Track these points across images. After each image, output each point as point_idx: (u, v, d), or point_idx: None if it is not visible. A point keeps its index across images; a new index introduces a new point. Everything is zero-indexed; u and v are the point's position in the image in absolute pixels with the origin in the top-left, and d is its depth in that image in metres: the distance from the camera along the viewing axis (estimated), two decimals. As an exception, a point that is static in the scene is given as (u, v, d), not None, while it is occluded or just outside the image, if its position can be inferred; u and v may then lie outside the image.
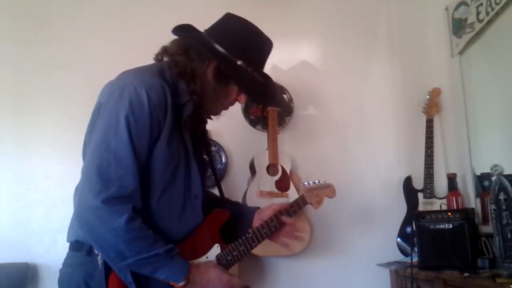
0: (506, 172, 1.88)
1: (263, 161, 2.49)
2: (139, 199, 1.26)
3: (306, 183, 1.75)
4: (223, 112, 1.51)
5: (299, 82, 2.72)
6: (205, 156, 1.58)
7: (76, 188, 1.34)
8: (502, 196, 1.83)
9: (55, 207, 2.46)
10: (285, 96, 2.65)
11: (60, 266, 1.44)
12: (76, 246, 1.35)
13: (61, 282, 1.37)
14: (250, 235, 1.51)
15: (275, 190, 2.47)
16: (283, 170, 2.52)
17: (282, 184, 2.50)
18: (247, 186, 2.48)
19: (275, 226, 1.54)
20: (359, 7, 2.88)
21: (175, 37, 1.43)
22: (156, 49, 1.47)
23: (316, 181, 1.77)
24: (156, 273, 1.24)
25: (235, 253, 1.46)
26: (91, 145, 1.27)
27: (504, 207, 1.82)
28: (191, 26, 1.45)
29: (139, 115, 1.24)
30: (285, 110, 2.65)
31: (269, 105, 1.46)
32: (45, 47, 2.58)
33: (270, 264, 2.57)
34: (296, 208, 1.62)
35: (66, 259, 1.40)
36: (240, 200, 2.49)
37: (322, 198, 1.75)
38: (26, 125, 2.51)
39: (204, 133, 1.57)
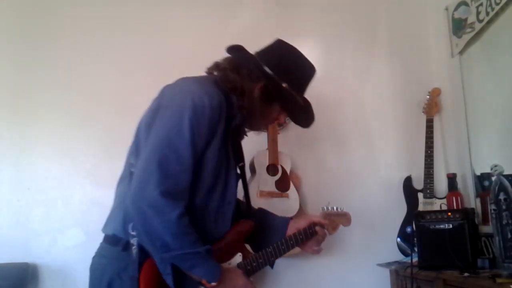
0: (506, 172, 1.88)
1: (263, 161, 2.49)
2: (187, 197, 1.35)
3: (325, 208, 1.85)
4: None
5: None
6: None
7: (120, 180, 1.49)
8: (502, 196, 1.83)
9: (55, 207, 2.46)
10: (285, 96, 2.65)
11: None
12: (113, 240, 1.41)
13: (93, 270, 1.45)
14: (286, 241, 1.62)
15: (275, 190, 2.47)
16: (283, 170, 2.52)
17: (282, 184, 2.50)
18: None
19: (306, 235, 1.66)
20: (359, 7, 2.88)
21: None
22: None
23: (335, 207, 1.87)
24: (193, 270, 1.32)
25: (261, 260, 1.56)
26: (151, 141, 1.34)
27: (504, 207, 1.82)
28: (243, 47, 1.55)
29: (201, 119, 1.34)
30: (285, 110, 2.65)
31: (305, 127, 1.61)
32: (45, 47, 2.58)
33: (270, 264, 2.57)
34: (313, 231, 1.70)
35: (100, 250, 1.47)
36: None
37: (338, 225, 1.85)
38: (26, 125, 2.51)
39: (241, 146, 1.67)
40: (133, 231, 1.34)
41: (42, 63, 2.56)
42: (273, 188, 2.47)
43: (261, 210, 1.79)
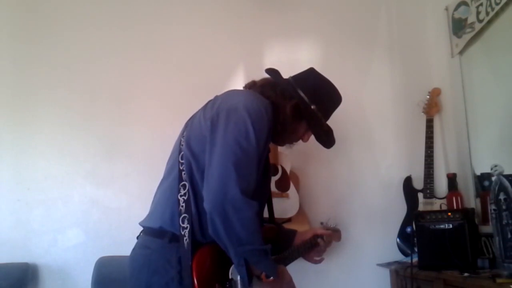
0: (506, 172, 1.88)
1: (263, 161, 2.49)
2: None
3: (325, 223, 2.13)
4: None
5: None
6: None
7: (165, 178, 1.59)
8: (502, 196, 1.83)
9: (55, 207, 2.46)
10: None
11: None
12: (159, 232, 1.49)
13: (135, 260, 1.52)
14: (295, 249, 1.80)
15: (275, 190, 2.47)
16: (283, 170, 2.52)
17: (282, 184, 2.50)
18: (247, 186, 2.48)
19: (311, 246, 1.87)
20: (359, 7, 2.88)
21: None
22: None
23: (331, 224, 2.15)
24: (259, 264, 1.44)
25: (287, 261, 1.72)
26: (220, 144, 1.42)
27: (504, 207, 1.82)
28: (278, 71, 1.71)
29: (261, 126, 1.46)
30: (285, 110, 2.65)
31: (326, 147, 1.80)
32: (45, 47, 2.58)
33: (270, 264, 2.57)
34: (314, 243, 1.90)
35: (141, 242, 1.55)
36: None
37: (331, 241, 2.02)
38: (26, 125, 2.51)
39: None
40: (183, 223, 1.43)
41: (42, 63, 2.57)
42: (273, 188, 2.46)
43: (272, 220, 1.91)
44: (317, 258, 1.91)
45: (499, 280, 1.71)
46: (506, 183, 1.83)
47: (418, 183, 2.59)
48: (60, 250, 2.42)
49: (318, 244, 1.86)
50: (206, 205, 1.39)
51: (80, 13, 2.64)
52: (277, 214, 2.32)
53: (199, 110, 1.62)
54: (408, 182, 2.63)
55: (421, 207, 2.54)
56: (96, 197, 2.50)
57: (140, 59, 2.63)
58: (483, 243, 2.19)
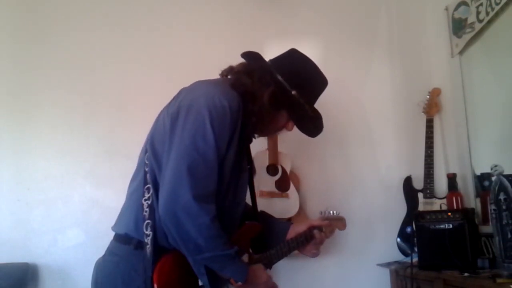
0: (506, 172, 1.88)
1: (263, 161, 2.49)
2: (215, 200, 1.39)
3: (323, 212, 1.93)
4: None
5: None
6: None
7: (133, 179, 1.51)
8: (502, 196, 1.83)
9: (55, 207, 2.46)
10: (285, 96, 2.65)
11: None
12: (124, 239, 1.44)
13: (103, 268, 1.47)
14: (283, 245, 1.67)
15: (275, 190, 2.47)
16: (283, 170, 2.52)
17: (282, 184, 2.50)
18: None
19: (307, 239, 1.72)
20: (359, 7, 2.88)
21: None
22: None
23: (332, 212, 1.94)
24: (224, 270, 1.39)
25: (265, 262, 1.60)
26: (176, 146, 1.36)
27: (504, 207, 1.82)
28: (258, 54, 1.58)
29: (222, 122, 1.38)
30: (285, 110, 2.65)
31: (313, 137, 1.66)
32: (45, 47, 2.58)
33: (270, 264, 2.57)
34: (312, 234, 1.75)
35: (111, 249, 1.50)
36: (240, 200, 2.50)
37: (334, 229, 1.90)
38: (26, 125, 2.51)
39: (249, 149, 1.71)
40: (147, 230, 1.37)
41: (42, 63, 2.56)
42: (273, 188, 2.47)
43: (263, 213, 1.82)
44: (315, 251, 1.77)
45: (499, 280, 1.71)
46: (506, 183, 1.83)
47: (418, 183, 2.59)
48: (60, 250, 2.42)
49: (314, 236, 1.72)
50: (160, 210, 1.33)
51: (80, 13, 2.64)
52: (277, 214, 2.32)
53: (165, 106, 1.54)
54: (408, 182, 2.63)
55: (421, 207, 2.54)
56: (96, 197, 2.50)
57: (140, 59, 2.62)
58: (483, 243, 2.19)
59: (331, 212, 1.93)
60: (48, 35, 2.60)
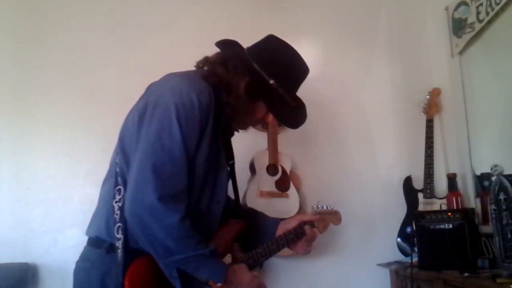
0: (506, 172, 1.88)
1: (263, 161, 2.49)
2: (186, 198, 1.32)
3: (315, 206, 1.83)
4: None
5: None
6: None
7: (105, 180, 1.45)
8: (502, 196, 1.83)
9: (55, 207, 2.46)
10: (285, 96, 2.65)
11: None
12: (96, 242, 1.39)
13: (77, 274, 1.40)
14: (269, 244, 1.58)
15: (275, 190, 2.47)
16: (283, 170, 2.52)
17: (282, 184, 2.50)
18: (247, 186, 2.48)
19: (297, 235, 1.62)
20: (359, 7, 2.88)
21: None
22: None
23: (324, 206, 1.84)
24: (199, 272, 1.30)
25: (251, 261, 1.52)
26: (142, 145, 1.30)
27: (504, 207, 1.82)
28: (235, 42, 1.52)
29: (191, 118, 1.30)
30: (285, 110, 2.65)
31: (294, 128, 1.52)
32: (45, 47, 2.58)
33: (270, 264, 2.56)
34: (303, 230, 1.65)
35: (84, 254, 1.43)
36: (240, 200, 2.49)
37: (328, 224, 1.81)
38: (26, 125, 2.51)
39: (230, 143, 1.63)
40: (118, 233, 1.31)
41: (42, 63, 2.56)
42: (273, 188, 2.47)
43: (252, 210, 1.78)
44: (307, 248, 1.66)
45: (499, 280, 1.71)
46: (506, 183, 1.83)
47: (418, 183, 2.59)
48: (60, 250, 2.42)
49: (305, 232, 1.62)
50: (125, 213, 1.27)
51: (80, 13, 2.64)
52: (277, 214, 2.32)
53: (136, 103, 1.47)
54: (408, 182, 2.63)
55: (421, 207, 2.54)
56: (96, 197, 2.48)
57: (140, 58, 2.62)
58: (483, 243, 2.19)
59: (324, 206, 1.84)
60: (48, 35, 2.60)
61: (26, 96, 2.53)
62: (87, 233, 1.45)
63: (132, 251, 1.31)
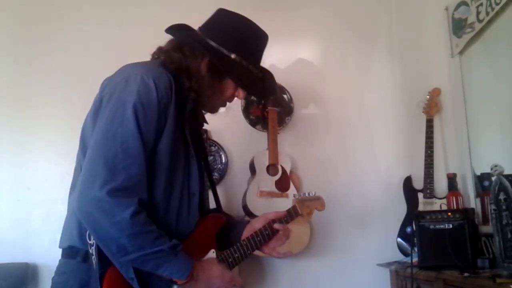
0: (506, 172, 1.88)
1: (263, 161, 2.49)
2: (145, 191, 1.23)
3: (296, 194, 1.77)
4: (223, 111, 1.49)
5: (299, 82, 2.72)
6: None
7: (72, 187, 1.33)
8: (502, 196, 1.83)
9: (55, 207, 2.46)
10: (285, 96, 2.65)
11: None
12: (70, 252, 1.31)
13: None
14: (245, 243, 1.48)
15: (275, 190, 2.47)
16: (283, 170, 2.52)
17: (282, 184, 2.50)
18: (247, 186, 2.48)
19: (268, 234, 1.52)
20: (359, 7, 2.88)
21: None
22: (154, 49, 1.45)
23: (307, 193, 1.76)
24: (159, 270, 1.21)
25: (230, 259, 1.44)
26: (95, 135, 1.22)
27: (504, 207, 1.82)
28: (186, 25, 1.44)
29: (147, 104, 1.22)
30: (285, 110, 2.65)
31: (267, 100, 1.42)
32: (45, 46, 2.58)
33: (270, 264, 2.57)
34: (288, 218, 1.58)
35: (58, 267, 1.34)
36: (241, 200, 2.49)
37: (312, 210, 1.75)
38: (26, 126, 2.52)
39: (201, 134, 1.56)
40: (90, 239, 1.22)
41: (42, 63, 2.57)
42: (273, 188, 2.47)
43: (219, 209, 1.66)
44: (281, 250, 1.54)
45: (499, 280, 1.71)
46: (506, 183, 1.83)
47: (418, 183, 2.59)
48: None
49: (277, 230, 1.50)
50: (75, 210, 1.19)
51: (80, 12, 2.64)
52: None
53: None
54: (408, 182, 2.63)
55: (421, 207, 2.54)
56: (96, 197, 2.50)
57: (140, 58, 2.62)
58: (483, 243, 2.19)
59: (306, 193, 1.77)
60: (49, 35, 2.60)
61: (26, 96, 2.54)
62: (60, 246, 1.36)
63: (107, 257, 1.21)
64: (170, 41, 1.41)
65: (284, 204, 2.45)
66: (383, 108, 2.81)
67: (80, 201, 1.17)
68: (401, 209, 2.61)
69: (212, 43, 1.35)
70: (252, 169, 2.51)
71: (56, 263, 1.40)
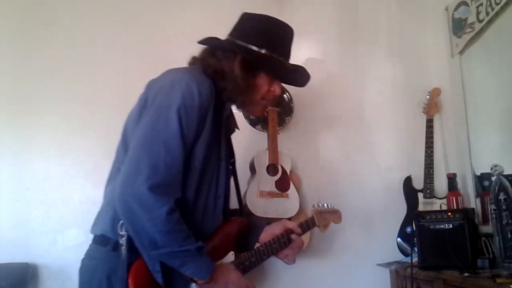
0: (506, 172, 1.88)
1: (263, 161, 2.49)
2: (180, 190, 1.31)
3: (316, 205, 1.84)
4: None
5: (299, 82, 2.71)
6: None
7: (109, 179, 1.44)
8: (502, 196, 1.83)
9: (55, 207, 2.46)
10: (285, 96, 2.65)
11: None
12: (102, 240, 1.38)
13: (83, 273, 1.40)
14: (262, 248, 1.55)
15: (275, 190, 2.47)
16: (283, 170, 2.52)
17: (282, 184, 2.50)
18: (247, 186, 2.48)
19: (284, 242, 1.59)
20: (359, 7, 2.88)
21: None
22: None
23: (325, 204, 1.86)
24: (183, 267, 1.28)
25: (247, 263, 1.50)
26: (139, 132, 1.30)
27: (504, 207, 1.82)
28: (215, 37, 1.52)
29: (190, 108, 1.30)
30: (285, 110, 2.65)
31: (301, 86, 1.52)
32: (44, 47, 2.58)
33: (271, 264, 2.57)
34: (305, 228, 1.69)
35: (89, 251, 1.43)
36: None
37: (329, 222, 1.84)
38: (26, 125, 2.51)
39: (231, 141, 1.63)
40: (121, 230, 1.30)
41: (42, 63, 2.56)
42: (273, 188, 2.47)
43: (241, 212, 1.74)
44: (291, 258, 1.63)
45: (499, 280, 1.71)
46: (506, 183, 1.83)
47: (418, 183, 2.59)
48: (60, 250, 2.42)
49: (292, 240, 1.61)
50: (115, 199, 1.26)
51: (80, 12, 2.64)
52: (277, 214, 2.33)
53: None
54: (408, 182, 2.63)
55: (421, 207, 2.54)
56: (96, 197, 2.46)
57: (141, 58, 2.62)
58: (483, 243, 2.19)
59: (325, 205, 1.83)
60: (49, 35, 2.60)
61: (26, 96, 2.54)
62: (92, 231, 1.45)
63: (136, 249, 1.29)
64: (203, 50, 1.50)
65: (284, 204, 2.46)
66: (383, 108, 2.81)
67: (121, 193, 1.24)
68: (401, 209, 2.61)
69: (242, 43, 1.43)
70: (252, 169, 2.51)
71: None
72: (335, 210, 1.89)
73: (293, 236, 1.61)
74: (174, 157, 1.27)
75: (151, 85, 1.41)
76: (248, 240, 1.59)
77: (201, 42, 1.49)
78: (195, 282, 1.31)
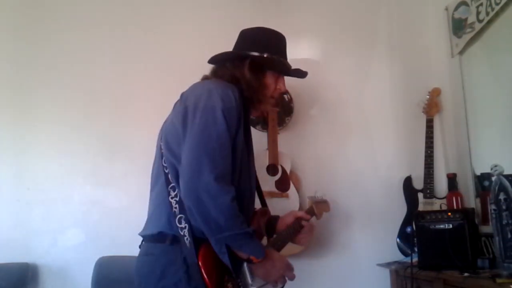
0: (506, 172, 1.88)
1: (263, 161, 2.49)
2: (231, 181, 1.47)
3: (310, 196, 2.15)
4: None
5: (299, 82, 2.70)
6: None
7: (154, 184, 1.58)
8: (502, 196, 1.83)
9: (55, 207, 2.46)
10: (285, 96, 2.65)
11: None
12: (159, 237, 1.49)
13: (141, 267, 1.52)
14: (284, 233, 1.78)
15: (275, 190, 2.47)
16: (283, 170, 2.52)
17: (282, 184, 2.50)
18: (247, 186, 2.48)
19: (297, 229, 1.82)
20: (359, 7, 2.88)
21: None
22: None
23: (316, 195, 2.14)
24: (243, 247, 1.42)
25: (276, 246, 1.69)
26: (192, 137, 1.44)
27: (504, 207, 1.82)
28: (218, 54, 1.71)
29: (230, 109, 1.48)
30: (285, 110, 2.65)
31: (302, 77, 1.79)
32: (45, 46, 2.58)
33: (270, 264, 2.57)
34: (310, 217, 1.90)
35: (146, 249, 1.54)
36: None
37: (322, 212, 2.10)
38: (26, 125, 2.51)
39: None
40: (181, 224, 1.44)
41: (42, 63, 2.57)
42: (273, 188, 2.47)
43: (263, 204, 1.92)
44: (306, 242, 1.89)
45: (499, 280, 1.71)
46: (506, 183, 1.83)
47: (418, 183, 2.59)
48: (60, 250, 2.42)
49: (303, 226, 1.84)
50: (182, 194, 1.41)
51: (80, 13, 2.64)
52: (277, 214, 2.32)
53: (170, 113, 1.65)
54: (408, 182, 2.63)
55: (421, 207, 2.54)
56: (96, 197, 2.50)
57: (140, 59, 2.63)
58: (483, 243, 2.20)
59: (315, 195, 2.11)
60: (48, 35, 2.60)
61: (26, 96, 2.54)
62: (144, 233, 1.57)
63: (197, 240, 1.42)
64: (213, 68, 1.72)
65: (284, 204, 2.46)
66: (383, 108, 2.81)
67: (188, 189, 1.39)
68: (401, 209, 2.61)
69: (246, 52, 1.65)
70: (252, 169, 2.51)
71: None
72: (325, 200, 2.15)
73: (304, 223, 1.82)
74: (226, 151, 1.44)
75: (186, 96, 1.56)
76: (269, 229, 1.79)
77: (211, 61, 1.70)
78: (248, 261, 1.45)
